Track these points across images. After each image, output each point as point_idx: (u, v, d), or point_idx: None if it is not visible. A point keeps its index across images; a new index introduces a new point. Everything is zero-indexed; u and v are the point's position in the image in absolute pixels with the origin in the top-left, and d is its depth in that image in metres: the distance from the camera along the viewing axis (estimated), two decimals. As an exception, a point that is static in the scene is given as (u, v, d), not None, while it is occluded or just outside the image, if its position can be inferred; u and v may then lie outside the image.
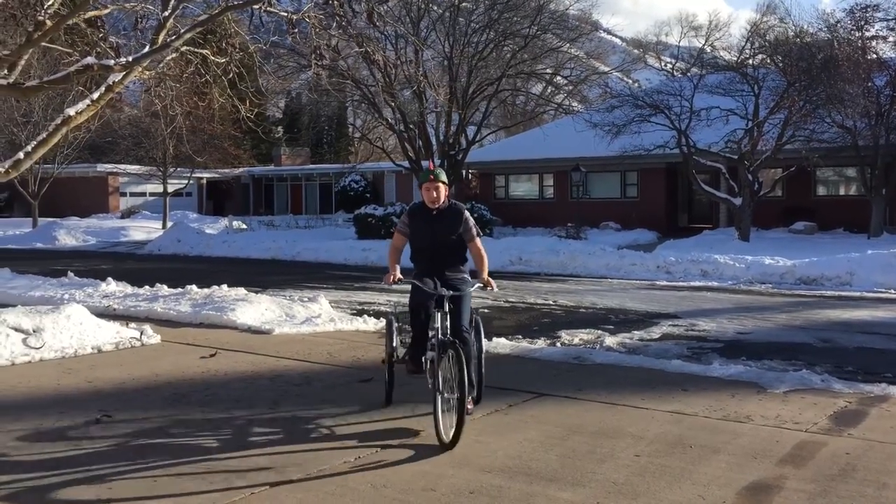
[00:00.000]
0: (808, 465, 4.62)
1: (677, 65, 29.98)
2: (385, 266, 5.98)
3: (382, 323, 9.95)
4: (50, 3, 8.56)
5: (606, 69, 35.86)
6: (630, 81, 35.07)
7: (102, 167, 41.03)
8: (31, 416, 5.66)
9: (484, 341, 5.97)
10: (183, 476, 4.41)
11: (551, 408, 5.95)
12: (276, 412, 5.77)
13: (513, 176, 33.01)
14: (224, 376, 7.01)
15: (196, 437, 5.16)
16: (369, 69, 25.59)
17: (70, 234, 30.13)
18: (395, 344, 5.92)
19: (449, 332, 5.41)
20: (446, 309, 5.39)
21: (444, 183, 5.70)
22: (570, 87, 30.95)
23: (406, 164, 28.10)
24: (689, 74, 25.73)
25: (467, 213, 5.78)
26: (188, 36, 8.05)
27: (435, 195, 5.65)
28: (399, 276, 5.56)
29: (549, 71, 31.40)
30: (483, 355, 5.86)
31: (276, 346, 8.39)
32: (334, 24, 9.14)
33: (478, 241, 5.74)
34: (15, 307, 8.82)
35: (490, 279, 5.56)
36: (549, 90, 35.26)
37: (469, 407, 5.29)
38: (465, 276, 5.80)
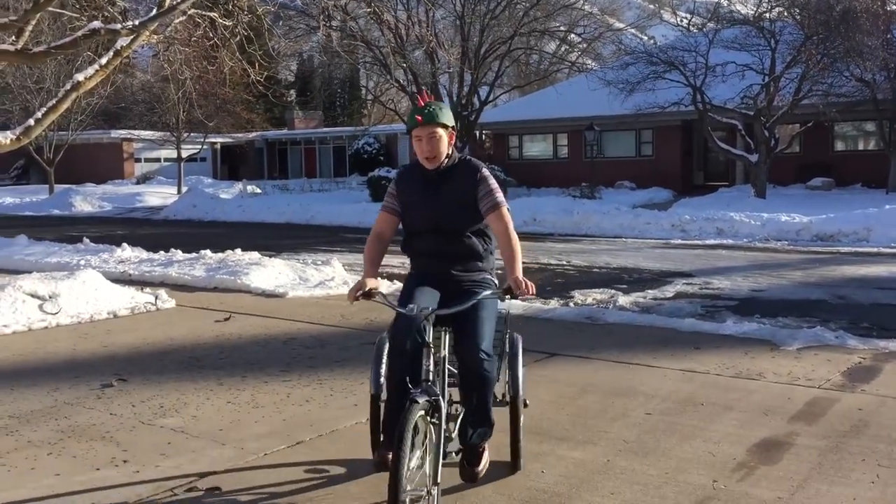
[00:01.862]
0: (819, 422, 4.60)
1: (693, 20, 29.45)
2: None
3: (397, 286, 9.98)
4: (55, -33, 8.49)
5: (621, 26, 35.31)
6: (645, 38, 34.54)
7: (116, 133, 41.09)
8: (47, 380, 5.73)
9: (522, 374, 3.94)
10: (197, 438, 4.46)
11: (563, 367, 5.96)
12: (289, 374, 5.81)
13: (527, 136, 32.77)
14: (238, 340, 7.06)
15: (210, 399, 5.21)
16: (381, 30, 25.36)
17: (86, 200, 30.29)
18: (381, 379, 3.77)
19: (458, 364, 3.58)
20: (428, 339, 3.32)
21: (444, 127, 3.60)
22: (584, 45, 30.54)
23: (419, 125, 27.94)
24: (704, 30, 25.31)
25: (486, 171, 3.66)
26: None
27: (430, 147, 3.58)
28: (371, 285, 3.49)
29: (562, 28, 30.99)
30: (521, 402, 3.92)
31: (289, 310, 8.43)
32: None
33: (505, 212, 3.61)
34: (31, 273, 8.89)
35: (524, 278, 3.41)
36: (562, 48, 34.82)
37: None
38: (487, 275, 3.77)
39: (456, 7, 26.98)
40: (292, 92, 53.33)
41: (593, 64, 30.97)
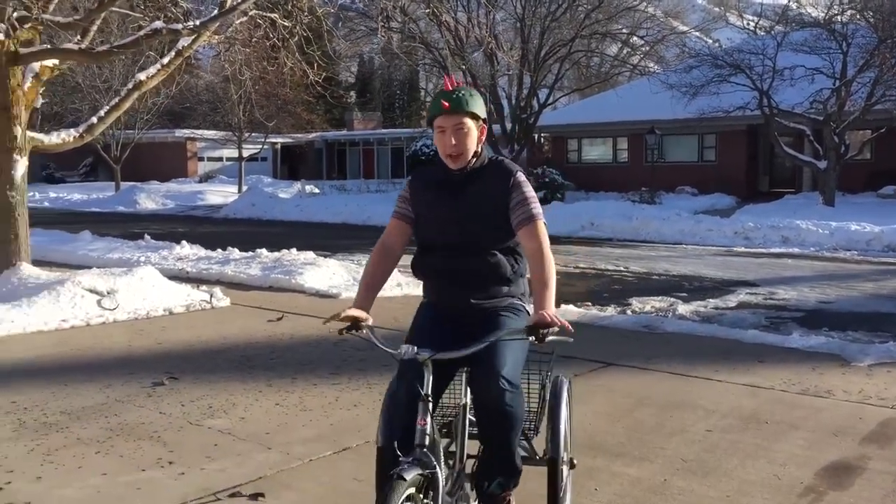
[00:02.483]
0: (893, 445, 4.34)
1: (760, 22, 28.74)
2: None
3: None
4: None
5: (685, 28, 34.68)
6: (710, 41, 33.86)
7: (181, 132, 41.94)
8: (101, 376, 5.76)
9: (566, 427, 3.17)
10: (243, 441, 4.41)
11: (619, 378, 5.76)
12: (338, 377, 5.74)
13: (586, 139, 32.38)
14: (289, 340, 7.04)
15: (259, 401, 5.17)
16: (440, 32, 25.33)
17: (150, 197, 30.94)
18: (391, 429, 2.79)
19: (473, 400, 2.84)
20: (426, 390, 2.59)
21: (475, 118, 2.90)
22: (647, 48, 30.05)
23: (477, 127, 27.83)
24: (772, 32, 24.63)
25: (521, 176, 2.96)
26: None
27: (456, 141, 2.87)
28: (356, 314, 2.77)
29: (624, 31, 30.55)
30: (565, 462, 3.18)
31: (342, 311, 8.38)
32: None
33: (541, 227, 2.88)
34: (91, 269, 9.03)
35: (556, 316, 2.63)
36: (624, 51, 34.34)
37: None
38: (516, 300, 3.00)
39: (516, 9, 26.80)
40: (352, 93, 53.77)
41: (655, 67, 30.47)
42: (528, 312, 2.97)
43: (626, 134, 30.25)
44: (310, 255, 11.37)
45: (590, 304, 9.06)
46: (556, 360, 3.40)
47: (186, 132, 41.74)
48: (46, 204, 30.93)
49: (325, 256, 11.68)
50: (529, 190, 2.94)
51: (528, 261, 2.92)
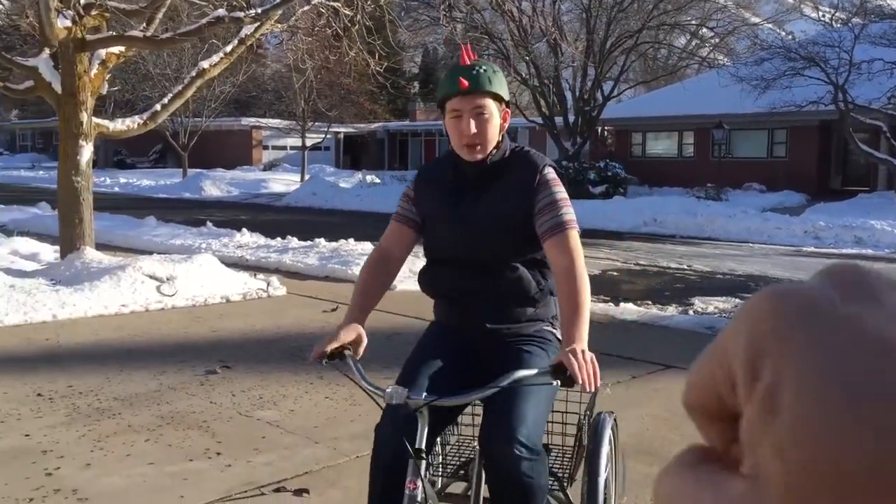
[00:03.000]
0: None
1: (836, 14, 27.77)
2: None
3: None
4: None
5: (757, 20, 33.69)
6: (783, 33, 32.85)
7: (246, 121, 42.57)
8: (156, 363, 5.80)
9: (605, 481, 2.51)
10: (291, 434, 4.36)
11: (679, 382, 5.54)
12: (389, 371, 5.67)
13: (650, 133, 31.78)
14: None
15: (309, 393, 5.13)
16: (505, 22, 25.10)
17: (215, 185, 31.47)
18: (375, 493, 2.44)
19: (485, 462, 2.30)
20: (420, 443, 2.12)
21: (498, 99, 2.39)
22: (717, 40, 29.29)
23: (539, 120, 27.56)
24: (849, 24, 23.75)
25: (551, 171, 2.44)
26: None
27: (476, 128, 2.35)
28: (345, 339, 2.24)
29: (693, 22, 29.83)
30: None
31: (396, 303, 8.31)
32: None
33: (573, 238, 2.33)
34: (152, 255, 9.16)
35: (588, 356, 2.06)
36: (693, 43, 33.55)
37: None
38: (544, 325, 2.47)
39: (582, 0, 26.38)
40: (415, 84, 53.83)
41: (725, 59, 29.69)
42: (558, 340, 2.39)
43: (692, 128, 29.58)
44: (367, 245, 11.35)
45: (650, 302, 8.82)
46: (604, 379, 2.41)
47: (252, 121, 42.34)
48: (117, 189, 31.71)
49: (383, 247, 11.65)
50: (560, 190, 2.37)
51: (556, 280, 2.30)
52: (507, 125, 2.43)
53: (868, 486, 0.20)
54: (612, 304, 8.46)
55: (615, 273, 11.07)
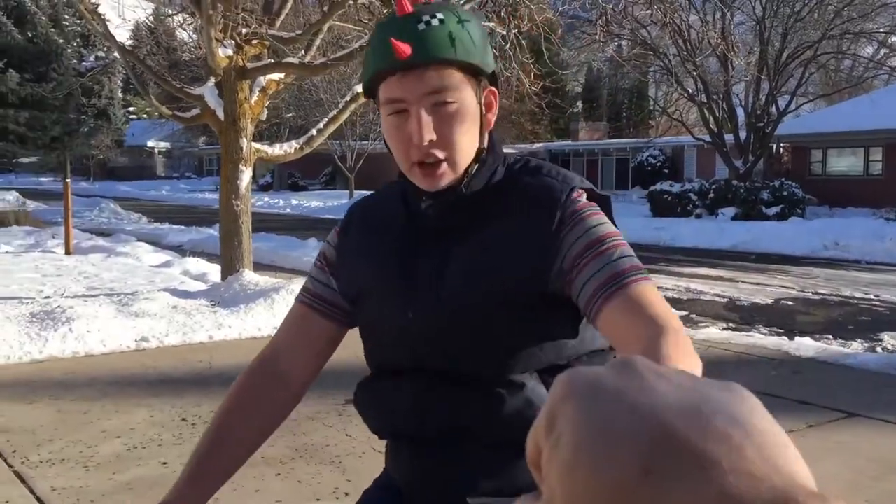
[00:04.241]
0: None
1: None
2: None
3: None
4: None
5: (956, 24, 30.69)
6: None
7: (410, 143, 43.56)
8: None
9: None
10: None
11: (864, 434, 4.86)
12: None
13: (832, 150, 29.58)
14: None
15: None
16: (672, 38, 24.23)
17: (378, 206, 32.24)
18: None
19: None
20: None
21: (467, 70, 1.23)
22: (908, 48, 26.91)
23: (707, 137, 26.36)
24: None
25: (579, 197, 1.28)
26: (468, 7, 7.80)
27: (435, 129, 1.22)
28: None
29: (881, 30, 27.57)
30: None
31: None
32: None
33: (646, 292, 1.15)
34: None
35: None
36: (881, 52, 31.03)
37: None
38: None
39: (755, 10, 25.01)
40: (578, 103, 53.25)
41: (919, 68, 27.21)
42: None
43: (880, 143, 27.26)
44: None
45: (830, 337, 7.98)
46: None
47: (415, 143, 43.27)
48: (288, 210, 33.20)
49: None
50: (601, 220, 1.26)
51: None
52: (493, 116, 1.32)
53: (607, 501, 0.30)
54: (785, 337, 7.71)
55: (790, 302, 10.16)
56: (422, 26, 1.19)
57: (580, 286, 1.20)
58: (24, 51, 20.51)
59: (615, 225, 1.29)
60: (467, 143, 1.27)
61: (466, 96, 1.25)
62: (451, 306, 1.28)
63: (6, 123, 19.69)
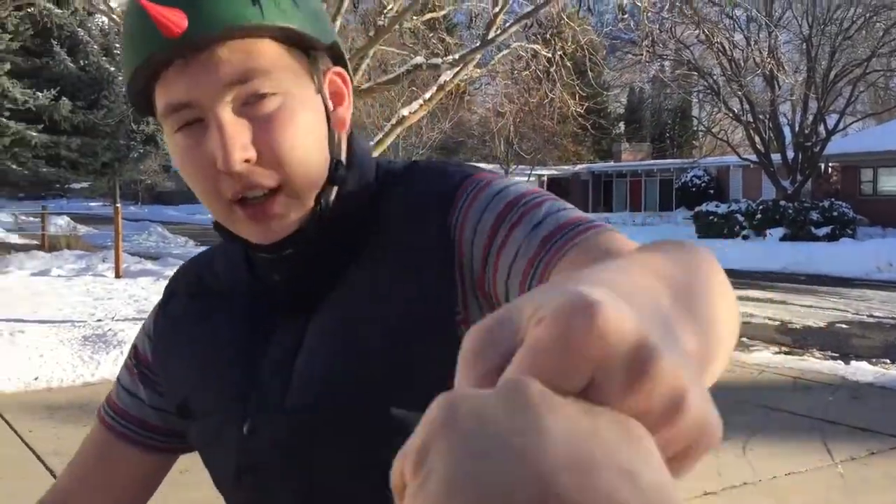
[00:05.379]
0: None
1: None
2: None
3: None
4: (390, 7, 8.88)
5: None
6: None
7: (452, 166, 43.81)
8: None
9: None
10: None
11: (931, 463, 4.68)
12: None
13: (883, 169, 28.95)
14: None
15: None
16: (717, 57, 24.04)
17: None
18: None
19: None
20: None
21: (284, 35, 0.77)
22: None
23: (753, 157, 26.02)
24: None
25: (480, 177, 0.81)
26: (513, 30, 7.84)
27: (253, 141, 0.75)
28: None
29: (932, 47, 27.05)
30: None
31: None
32: (667, 5, 8.36)
33: (610, 237, 0.67)
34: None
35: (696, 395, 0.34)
36: (932, 69, 30.41)
37: None
38: None
39: (802, 29, 24.71)
40: (620, 124, 53.07)
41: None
42: None
43: (933, 162, 26.65)
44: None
45: (887, 361, 7.74)
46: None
47: (457, 165, 43.48)
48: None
49: (583, 293, 11.23)
50: (509, 181, 0.83)
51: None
52: (347, 115, 0.87)
53: None
54: (841, 362, 7.51)
55: (844, 326, 9.90)
56: None
57: (505, 275, 0.73)
58: (76, 79, 21.10)
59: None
60: (310, 156, 0.80)
61: (293, 83, 0.79)
62: (300, 412, 0.81)
63: (59, 150, 20.23)
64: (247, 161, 0.75)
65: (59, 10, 18.27)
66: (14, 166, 19.75)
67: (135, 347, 0.99)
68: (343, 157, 0.85)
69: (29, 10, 15.50)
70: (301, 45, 0.80)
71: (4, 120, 19.19)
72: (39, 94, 19.41)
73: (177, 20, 0.71)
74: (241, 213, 0.78)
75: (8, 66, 19.34)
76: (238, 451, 0.85)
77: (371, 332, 0.79)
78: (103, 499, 0.97)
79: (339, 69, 0.86)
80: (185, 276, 0.98)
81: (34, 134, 19.50)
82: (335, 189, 0.83)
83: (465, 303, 0.78)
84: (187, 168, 0.79)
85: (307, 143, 0.79)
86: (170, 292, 0.98)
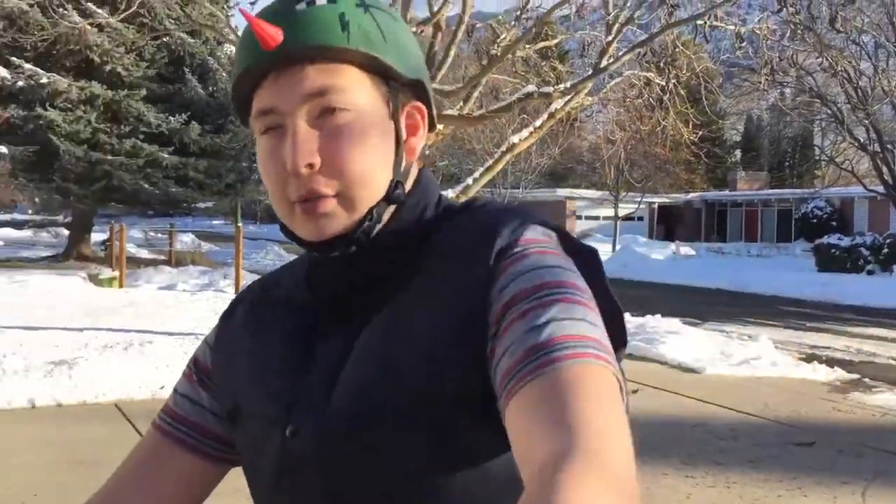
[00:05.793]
0: None
1: None
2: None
3: (837, 373, 8.60)
4: (503, 36, 9.05)
5: None
6: None
7: (561, 192, 43.59)
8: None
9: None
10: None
11: None
12: (692, 468, 5.16)
13: None
14: (643, 417, 6.56)
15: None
16: (841, 85, 23.14)
17: (528, 254, 32.32)
18: None
19: None
20: None
21: (369, 64, 0.85)
22: None
23: (880, 189, 24.81)
24: None
25: (528, 237, 0.84)
26: (626, 58, 7.84)
27: (319, 147, 0.83)
28: None
29: None
30: None
31: (704, 388, 7.70)
32: (787, 33, 8.17)
33: (572, 380, 0.70)
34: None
35: None
36: None
37: None
38: None
39: (935, 55, 23.47)
40: (736, 152, 51.59)
41: None
42: None
43: None
44: (674, 322, 10.76)
45: None
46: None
47: (566, 192, 43.24)
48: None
49: (694, 324, 10.98)
50: (547, 259, 0.83)
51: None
52: (419, 146, 0.92)
53: None
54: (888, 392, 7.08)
55: (977, 369, 9.32)
56: (301, 6, 0.84)
57: (495, 365, 0.77)
58: (205, 104, 22.26)
59: (607, 292, 0.87)
60: (369, 171, 0.85)
61: (367, 103, 0.85)
62: (339, 417, 0.84)
63: (187, 171, 21.36)
64: (310, 166, 0.83)
65: (192, 40, 19.38)
66: (146, 186, 20.96)
67: (195, 358, 1.03)
68: (409, 182, 0.91)
69: (165, 39, 16.52)
70: (384, 75, 0.87)
71: (139, 142, 20.44)
72: (171, 118, 20.60)
73: (274, 34, 0.81)
74: (299, 210, 0.85)
75: (144, 92, 20.61)
76: (280, 453, 0.87)
77: (407, 354, 0.81)
78: (148, 493, 0.97)
79: (418, 104, 0.92)
80: (252, 288, 1.03)
81: (165, 156, 20.69)
82: (391, 207, 0.89)
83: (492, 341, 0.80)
84: (264, 168, 0.86)
85: (369, 158, 0.85)
86: (234, 303, 1.03)
